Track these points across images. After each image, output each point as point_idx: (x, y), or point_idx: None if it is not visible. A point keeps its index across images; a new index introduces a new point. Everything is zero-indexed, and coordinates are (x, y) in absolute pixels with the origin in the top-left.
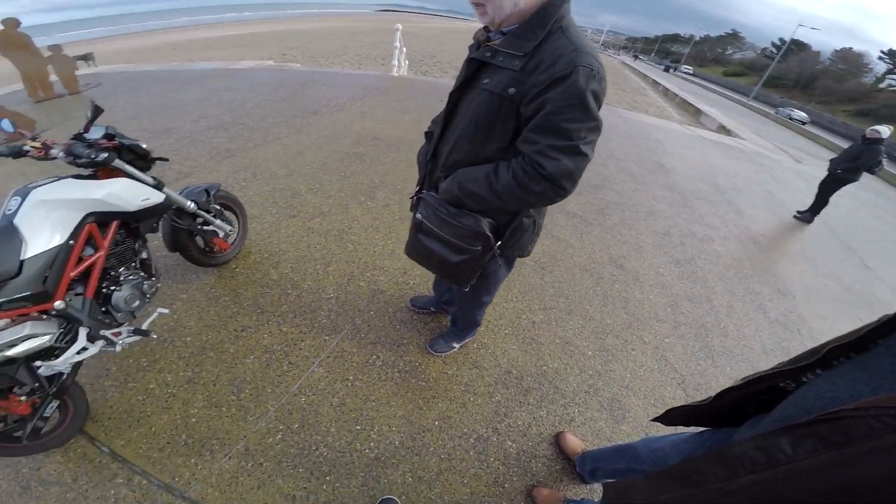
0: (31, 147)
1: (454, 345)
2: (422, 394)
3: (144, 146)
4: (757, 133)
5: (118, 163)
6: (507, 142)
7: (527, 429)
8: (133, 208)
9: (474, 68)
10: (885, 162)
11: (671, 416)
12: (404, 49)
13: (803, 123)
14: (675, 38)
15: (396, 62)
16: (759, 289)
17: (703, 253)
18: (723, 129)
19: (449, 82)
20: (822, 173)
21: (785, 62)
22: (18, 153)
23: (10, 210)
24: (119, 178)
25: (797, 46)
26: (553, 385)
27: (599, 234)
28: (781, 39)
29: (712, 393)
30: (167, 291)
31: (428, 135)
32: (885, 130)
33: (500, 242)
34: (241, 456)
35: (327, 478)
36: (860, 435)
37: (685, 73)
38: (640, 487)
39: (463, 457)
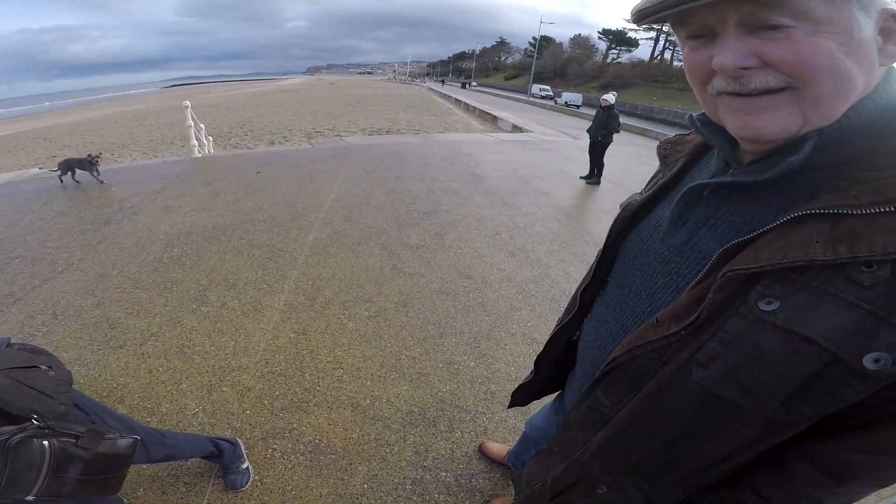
0: None
1: (244, 466)
2: (337, 465)
3: None
4: (541, 123)
5: None
6: None
7: (451, 455)
8: None
9: None
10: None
11: (519, 398)
12: (202, 126)
13: (577, 107)
14: (462, 56)
15: (196, 142)
16: (581, 249)
17: (530, 238)
18: (516, 128)
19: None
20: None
21: (542, 57)
22: None
23: None
24: None
25: (546, 42)
26: (455, 405)
27: (443, 256)
28: (534, 38)
29: None
30: None
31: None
32: (611, 97)
33: None
34: None
35: None
36: (642, 376)
37: (476, 87)
38: (535, 472)
39: None
